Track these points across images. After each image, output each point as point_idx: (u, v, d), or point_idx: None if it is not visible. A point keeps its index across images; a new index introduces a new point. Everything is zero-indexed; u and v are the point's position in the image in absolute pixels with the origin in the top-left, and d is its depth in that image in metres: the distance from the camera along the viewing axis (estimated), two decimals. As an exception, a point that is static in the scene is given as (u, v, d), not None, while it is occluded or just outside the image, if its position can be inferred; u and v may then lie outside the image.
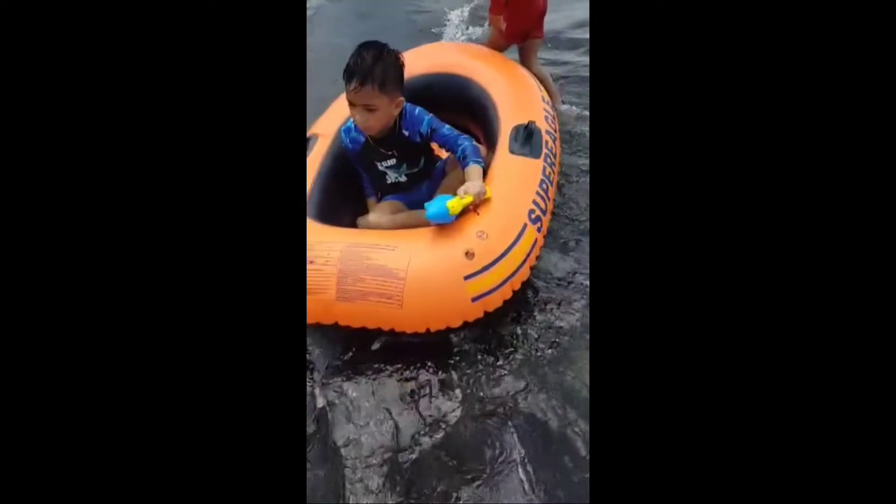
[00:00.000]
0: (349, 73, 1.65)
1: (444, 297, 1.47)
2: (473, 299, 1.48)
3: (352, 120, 1.86)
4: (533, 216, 1.63)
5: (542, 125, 1.89)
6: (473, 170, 1.66)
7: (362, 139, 1.85)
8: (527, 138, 1.78)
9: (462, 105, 2.13)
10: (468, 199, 1.54)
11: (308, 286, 1.50)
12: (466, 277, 1.47)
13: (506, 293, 1.54)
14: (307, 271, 1.50)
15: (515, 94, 2.01)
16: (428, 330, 1.49)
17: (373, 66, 1.64)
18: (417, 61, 2.12)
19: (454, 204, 1.52)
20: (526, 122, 1.81)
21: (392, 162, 1.86)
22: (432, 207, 1.54)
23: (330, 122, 2.01)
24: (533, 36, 2.41)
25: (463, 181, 1.71)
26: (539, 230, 1.66)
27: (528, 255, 1.60)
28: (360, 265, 1.47)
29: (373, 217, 1.82)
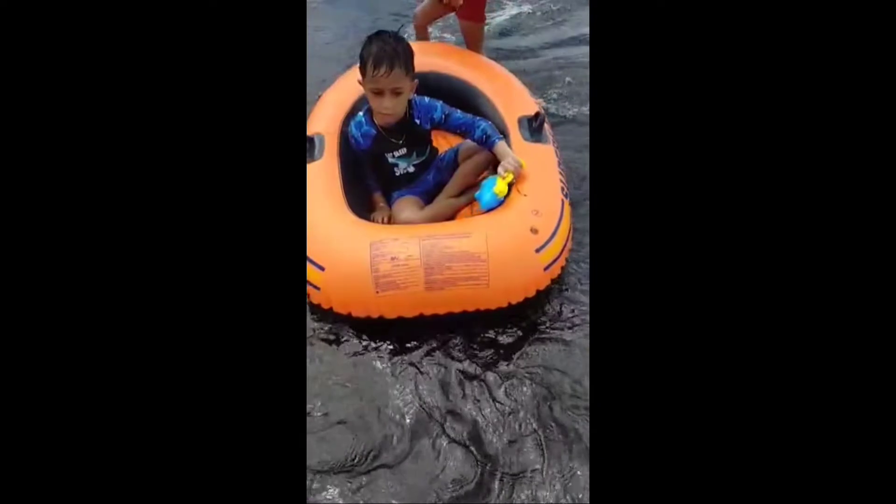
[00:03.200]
0: (377, 59, 1.72)
1: (523, 270, 1.65)
2: (545, 268, 1.67)
3: (361, 115, 1.94)
4: (564, 192, 1.85)
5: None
6: (502, 147, 1.83)
7: (374, 132, 1.92)
8: (538, 127, 1.99)
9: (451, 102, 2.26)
10: (510, 178, 1.74)
11: (394, 282, 1.60)
12: (537, 250, 1.65)
13: (562, 261, 1.75)
14: (391, 269, 1.60)
15: (506, 88, 2.21)
16: (509, 303, 1.66)
17: (396, 48, 1.75)
18: None
19: (501, 188, 1.73)
20: (533, 112, 2.02)
21: (402, 152, 1.96)
22: (485, 197, 1.75)
23: (326, 121, 2.07)
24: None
25: (475, 170, 1.92)
26: (569, 204, 1.88)
27: (570, 225, 1.82)
28: (444, 255, 1.60)
29: (406, 214, 1.91)
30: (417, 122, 1.92)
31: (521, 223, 1.67)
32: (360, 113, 1.96)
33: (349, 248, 1.64)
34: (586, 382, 1.56)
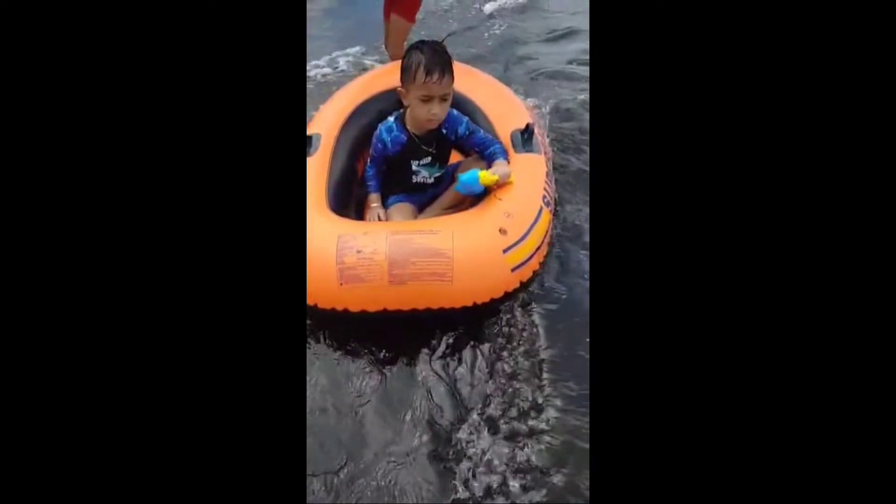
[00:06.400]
0: (430, 66, 1.75)
1: (488, 269, 1.62)
2: (513, 269, 1.65)
3: (392, 120, 1.95)
4: (546, 200, 1.84)
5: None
6: (501, 162, 1.86)
7: (405, 138, 1.93)
8: (528, 138, 1.98)
9: None
10: (495, 178, 1.75)
11: (357, 275, 1.59)
12: (505, 250, 1.63)
13: (534, 264, 1.73)
14: (355, 261, 1.60)
15: (502, 101, 2.22)
16: (475, 303, 1.63)
17: (445, 54, 1.80)
18: (383, 78, 2.26)
19: (484, 174, 1.74)
20: (524, 125, 2.01)
21: (427, 160, 1.97)
22: (465, 176, 1.76)
23: (327, 123, 2.11)
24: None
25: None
26: (551, 213, 1.86)
27: (547, 232, 1.80)
28: (409, 250, 1.59)
29: (399, 219, 1.92)
30: (444, 132, 1.94)
31: (491, 223, 1.67)
32: (391, 118, 1.97)
33: (317, 239, 1.65)
34: (549, 388, 1.53)
